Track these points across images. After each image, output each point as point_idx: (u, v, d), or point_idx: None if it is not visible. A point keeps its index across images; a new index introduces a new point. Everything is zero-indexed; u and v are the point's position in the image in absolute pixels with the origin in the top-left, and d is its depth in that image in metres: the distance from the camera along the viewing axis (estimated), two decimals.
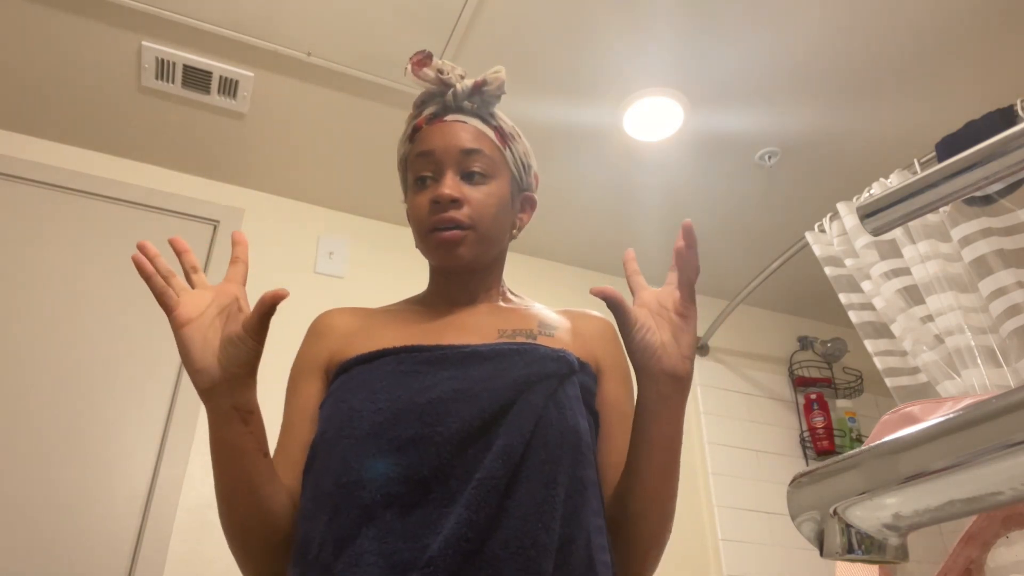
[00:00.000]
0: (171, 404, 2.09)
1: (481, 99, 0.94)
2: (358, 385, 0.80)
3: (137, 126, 2.24)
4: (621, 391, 0.90)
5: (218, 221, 2.39)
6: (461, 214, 0.87)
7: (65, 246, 2.19)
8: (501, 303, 0.95)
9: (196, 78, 2.05)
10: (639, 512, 0.79)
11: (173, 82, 2.06)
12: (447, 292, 0.94)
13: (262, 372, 2.18)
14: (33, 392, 1.98)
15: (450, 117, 0.92)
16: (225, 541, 0.81)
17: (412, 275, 2.55)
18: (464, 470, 0.71)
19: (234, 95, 2.11)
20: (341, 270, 2.48)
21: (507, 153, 0.94)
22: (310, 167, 2.41)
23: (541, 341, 0.86)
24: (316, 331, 0.93)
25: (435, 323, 0.90)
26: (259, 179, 2.46)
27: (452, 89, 0.93)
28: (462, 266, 0.89)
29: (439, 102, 0.94)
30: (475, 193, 0.89)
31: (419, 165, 0.91)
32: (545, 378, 0.78)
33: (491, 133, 0.93)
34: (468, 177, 0.89)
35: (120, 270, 2.22)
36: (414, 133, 0.94)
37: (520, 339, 0.86)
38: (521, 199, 0.98)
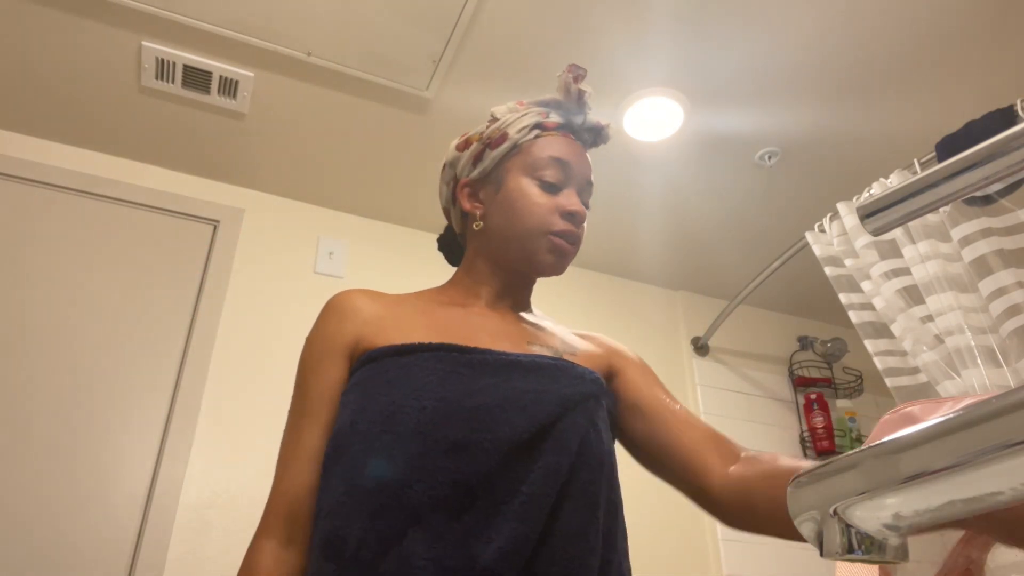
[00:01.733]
0: (171, 404, 2.09)
1: (593, 138, 0.99)
2: (397, 378, 0.77)
3: (137, 126, 2.24)
4: (651, 379, 0.91)
5: (218, 221, 2.39)
6: (582, 232, 0.92)
7: (65, 246, 2.19)
8: (525, 315, 0.96)
9: (196, 78, 2.05)
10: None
11: (173, 82, 2.06)
12: (492, 294, 0.94)
13: (268, 375, 2.14)
14: (33, 392, 1.98)
15: (574, 137, 0.96)
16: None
17: (412, 275, 2.55)
18: (509, 481, 0.70)
19: (234, 95, 2.11)
20: (341, 270, 2.48)
21: None
22: (310, 167, 2.41)
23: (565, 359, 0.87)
24: (339, 311, 0.88)
25: (466, 323, 0.89)
26: (259, 179, 2.46)
27: (584, 116, 0.97)
28: (550, 275, 0.92)
29: (565, 117, 0.96)
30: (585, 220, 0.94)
31: (551, 167, 0.91)
32: (586, 399, 0.79)
33: None
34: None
35: (120, 270, 2.22)
36: (539, 130, 0.94)
37: (547, 354, 0.86)
38: None
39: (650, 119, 2.15)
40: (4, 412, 1.93)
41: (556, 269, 0.91)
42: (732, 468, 0.78)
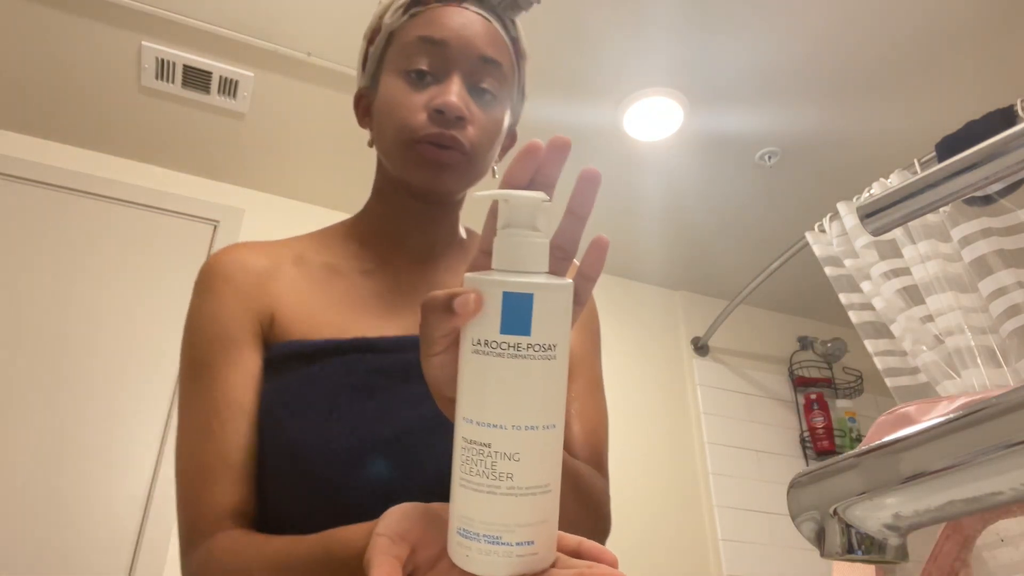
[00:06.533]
0: (171, 404, 2.09)
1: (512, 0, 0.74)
2: (298, 398, 0.62)
3: (137, 126, 2.24)
4: (587, 342, 0.76)
5: (218, 221, 2.39)
6: (464, 136, 0.68)
7: (65, 246, 2.19)
8: (460, 254, 0.78)
9: (196, 78, 2.05)
10: None
11: (173, 82, 2.06)
12: (400, 230, 0.74)
13: None
14: (33, 392, 1.98)
15: (469, 3, 0.71)
16: None
17: None
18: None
19: (234, 95, 2.11)
20: None
21: (516, 73, 0.75)
22: (310, 167, 2.41)
23: None
24: (224, 277, 0.69)
25: (388, 289, 0.72)
26: (259, 179, 2.46)
27: None
28: (439, 194, 0.71)
29: None
30: (482, 116, 0.69)
31: (420, 52, 0.69)
32: None
33: (510, 45, 0.74)
34: (477, 93, 0.70)
35: (120, 270, 2.22)
36: (415, 5, 0.71)
37: None
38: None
39: (650, 119, 2.15)
40: (4, 412, 1.93)
41: (436, 185, 0.68)
42: None
